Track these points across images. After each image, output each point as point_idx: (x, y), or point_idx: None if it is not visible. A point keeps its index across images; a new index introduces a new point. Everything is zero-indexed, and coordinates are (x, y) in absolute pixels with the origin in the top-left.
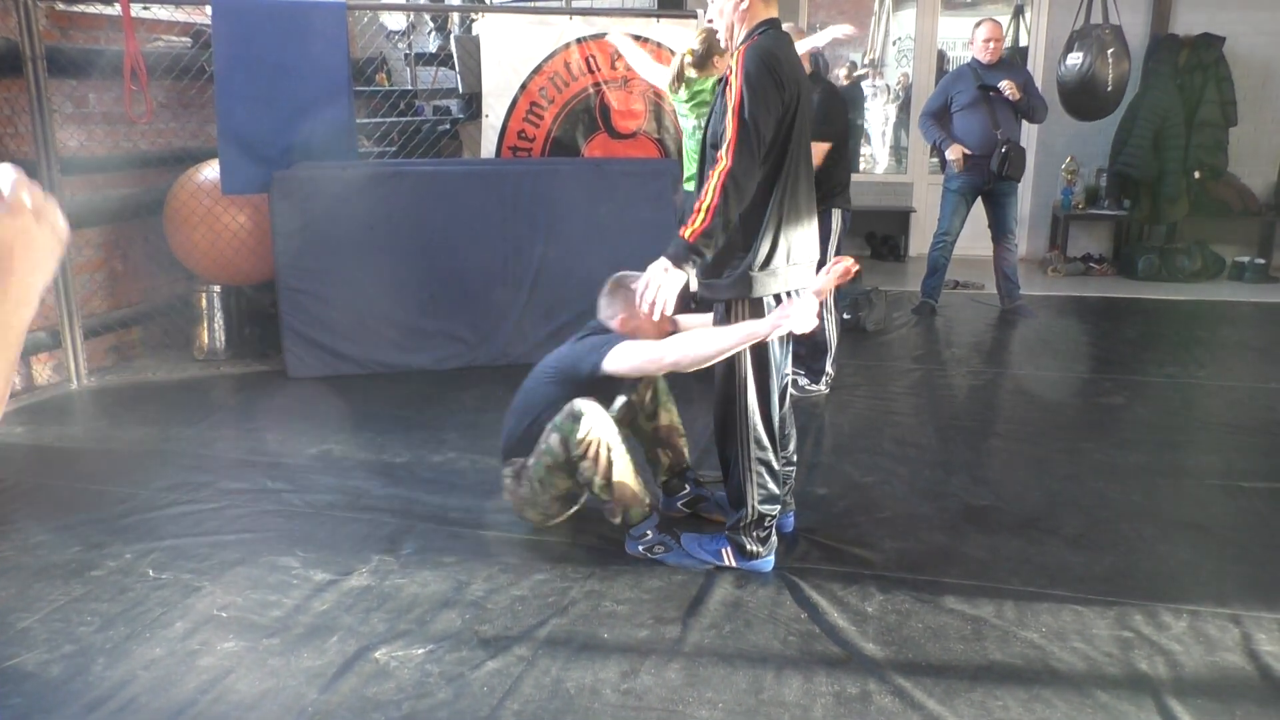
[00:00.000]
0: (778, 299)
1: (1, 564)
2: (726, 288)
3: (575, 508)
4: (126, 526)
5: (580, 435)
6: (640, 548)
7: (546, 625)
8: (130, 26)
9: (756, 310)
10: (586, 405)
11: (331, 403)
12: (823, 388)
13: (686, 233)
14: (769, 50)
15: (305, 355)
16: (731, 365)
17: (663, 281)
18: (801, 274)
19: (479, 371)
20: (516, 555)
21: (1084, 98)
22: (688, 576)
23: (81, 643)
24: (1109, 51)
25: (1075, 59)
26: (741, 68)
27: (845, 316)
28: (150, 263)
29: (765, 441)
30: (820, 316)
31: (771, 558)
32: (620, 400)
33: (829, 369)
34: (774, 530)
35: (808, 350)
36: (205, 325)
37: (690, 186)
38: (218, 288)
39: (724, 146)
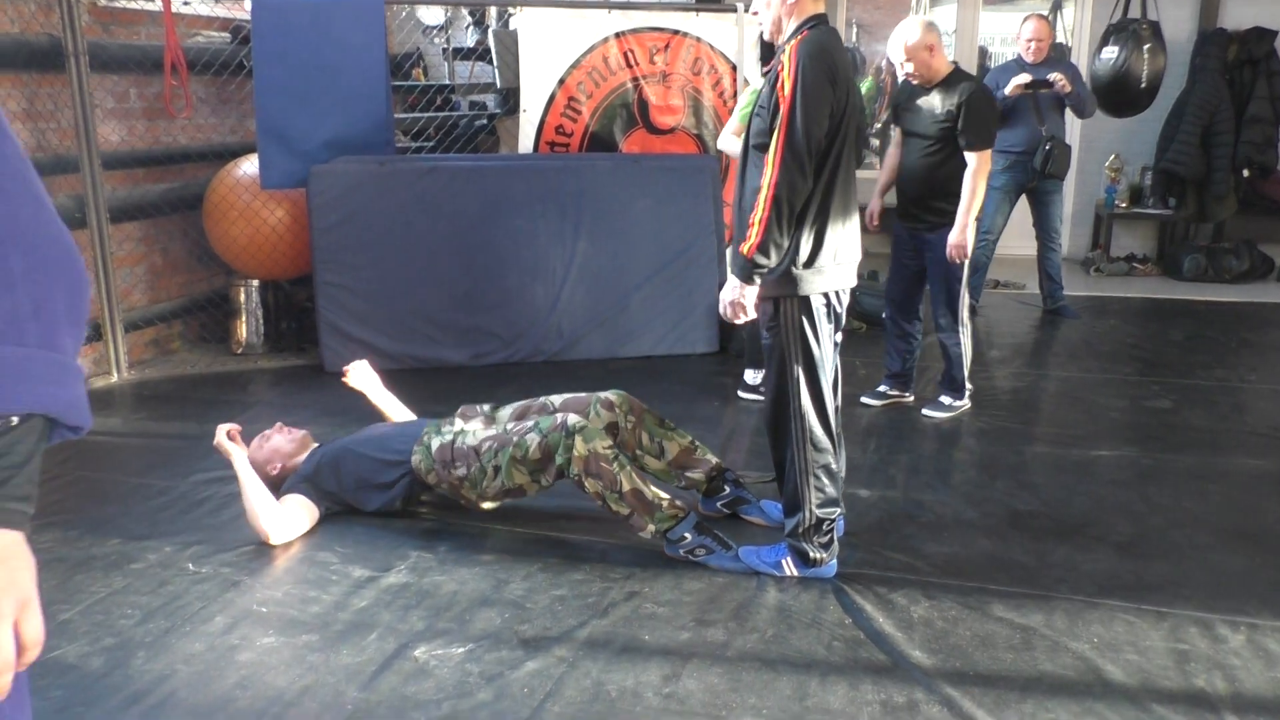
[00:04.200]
0: (825, 297)
1: (43, 556)
2: (773, 284)
3: (514, 499)
4: (166, 520)
5: (577, 452)
6: (680, 551)
7: (586, 626)
8: (171, 22)
9: (804, 308)
10: (580, 421)
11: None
12: (966, 402)
13: (744, 248)
14: (823, 46)
15: (341, 349)
16: (782, 366)
17: (736, 297)
18: (847, 273)
19: (514, 368)
20: (555, 554)
21: (1117, 93)
22: (729, 579)
23: (122, 635)
24: (1145, 47)
25: (1110, 54)
26: (794, 65)
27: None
28: (189, 257)
29: (823, 443)
30: (957, 331)
31: (834, 563)
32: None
33: (967, 383)
34: (835, 535)
35: (945, 366)
36: (243, 319)
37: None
38: (255, 282)
39: (773, 153)
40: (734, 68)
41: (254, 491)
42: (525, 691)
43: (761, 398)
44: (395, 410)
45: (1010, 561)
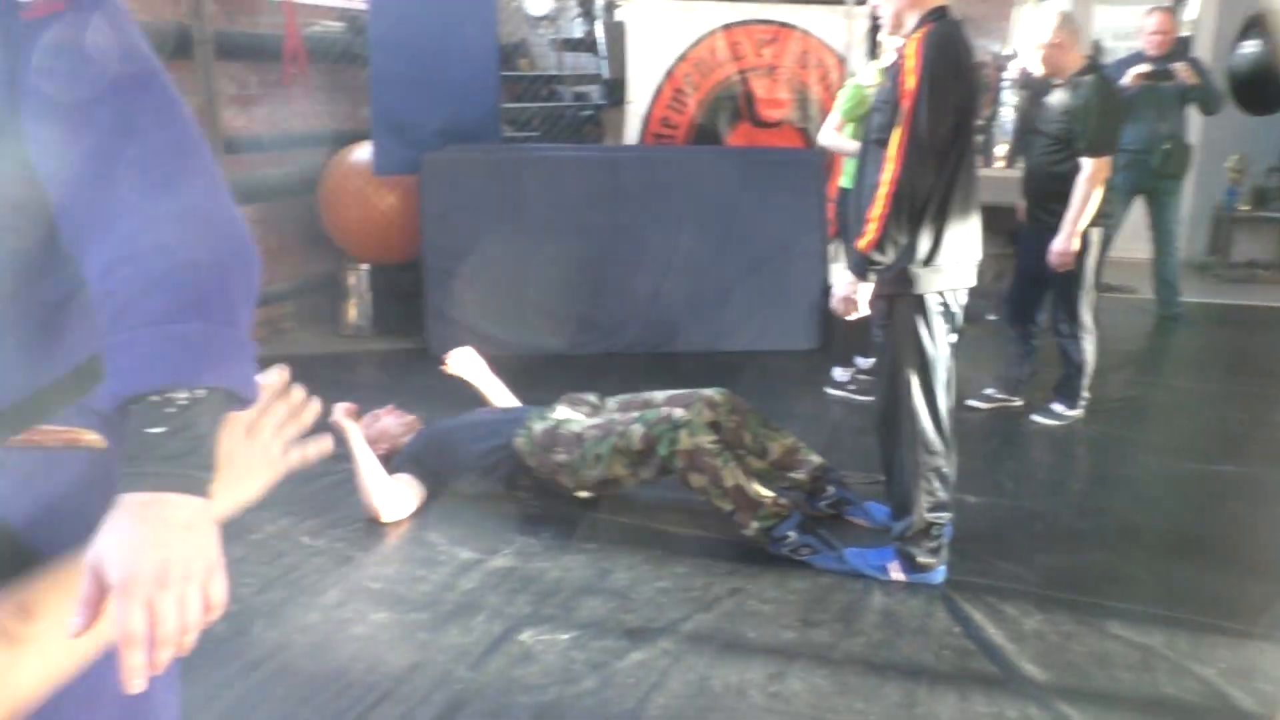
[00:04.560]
0: (942, 296)
1: None
2: (888, 281)
3: (609, 492)
4: (281, 494)
5: (682, 445)
6: (784, 549)
7: (690, 620)
8: (291, 12)
9: (919, 307)
10: (686, 416)
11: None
12: (1079, 412)
13: (861, 243)
14: (948, 39)
15: (446, 334)
16: (895, 366)
17: (849, 293)
18: (966, 273)
19: (613, 358)
20: (658, 546)
21: (1257, 90)
22: (834, 580)
23: (242, 603)
24: None
25: (1250, 47)
26: (920, 60)
27: (991, 318)
28: (303, 240)
29: (935, 445)
30: (1079, 337)
31: (943, 569)
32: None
33: (1085, 392)
34: (944, 540)
35: (1064, 372)
36: (353, 302)
37: (845, 182)
38: (366, 266)
39: (893, 148)
40: (842, 61)
41: (369, 469)
42: (630, 682)
43: (850, 395)
44: (499, 395)
45: (1127, 577)
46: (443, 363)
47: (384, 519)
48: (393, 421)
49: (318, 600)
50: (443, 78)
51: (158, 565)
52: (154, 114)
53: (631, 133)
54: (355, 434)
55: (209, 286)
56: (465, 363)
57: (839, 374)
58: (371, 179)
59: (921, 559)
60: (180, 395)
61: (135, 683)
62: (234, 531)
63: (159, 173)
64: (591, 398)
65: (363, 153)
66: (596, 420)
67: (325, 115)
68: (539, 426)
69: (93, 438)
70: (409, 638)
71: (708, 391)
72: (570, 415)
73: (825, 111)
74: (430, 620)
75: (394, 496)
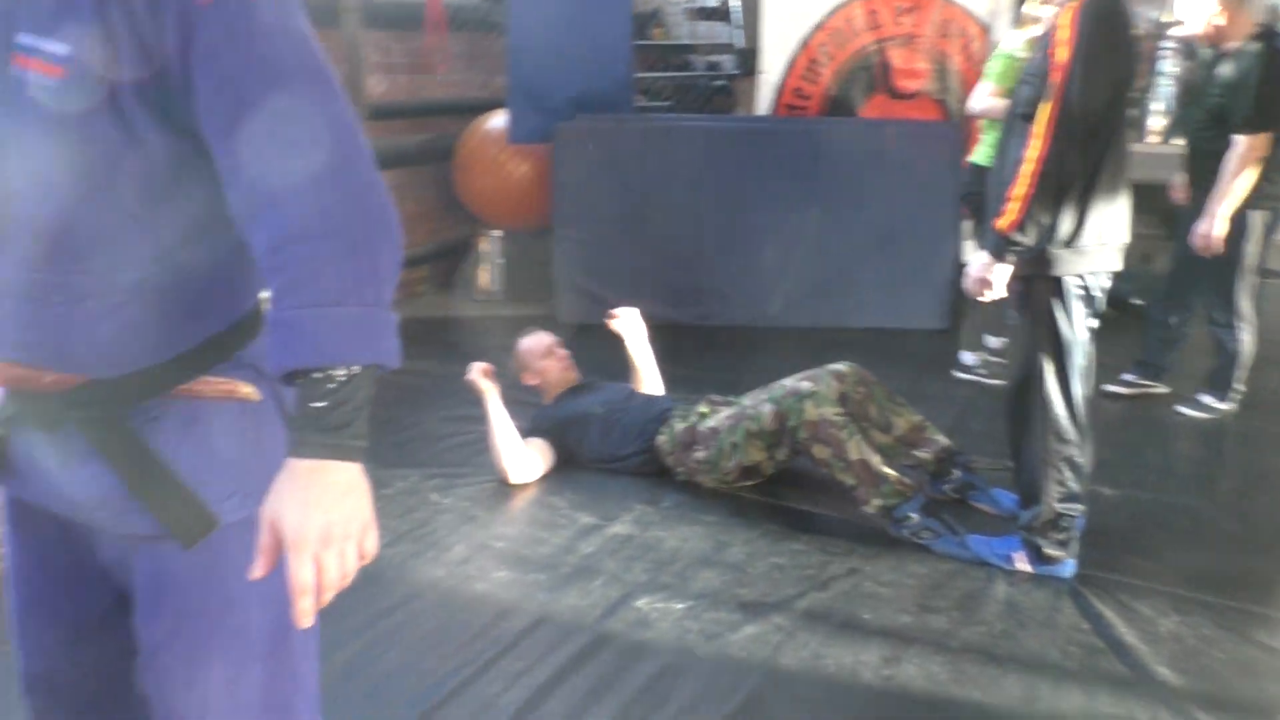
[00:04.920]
0: (1082, 279)
1: None
2: (1027, 262)
3: (752, 481)
4: (412, 451)
5: (807, 416)
6: (905, 530)
7: (805, 597)
8: None
9: (1056, 290)
10: (813, 387)
11: (598, 349)
12: (1230, 405)
13: (1001, 223)
14: (1107, 9)
15: (575, 302)
16: (1029, 350)
17: (984, 274)
18: (1110, 256)
19: (736, 331)
20: (775, 522)
21: None
22: (955, 566)
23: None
24: None
25: None
26: (1074, 31)
27: (1136, 302)
28: (439, 206)
29: (1069, 433)
30: (1234, 325)
31: (1073, 562)
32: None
33: (1238, 384)
34: (1074, 532)
35: (1217, 362)
36: (485, 268)
37: (978, 159)
38: (498, 232)
39: (1041, 124)
40: (985, 30)
41: (502, 430)
42: (743, 655)
43: (980, 379)
44: (646, 367)
45: (1277, 583)
46: (608, 318)
47: (511, 480)
48: (557, 367)
49: (444, 555)
50: (577, 47)
51: (323, 527)
52: (319, 98)
53: (763, 103)
54: (491, 394)
55: (365, 271)
56: (629, 323)
57: (968, 358)
58: (506, 147)
59: (1049, 550)
60: (339, 373)
61: (305, 620)
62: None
63: (323, 156)
64: (731, 399)
65: (498, 121)
66: (730, 410)
67: (463, 84)
68: (680, 425)
69: (247, 390)
70: (529, 597)
71: (835, 365)
72: (707, 412)
73: (966, 82)
74: (549, 581)
75: (524, 460)
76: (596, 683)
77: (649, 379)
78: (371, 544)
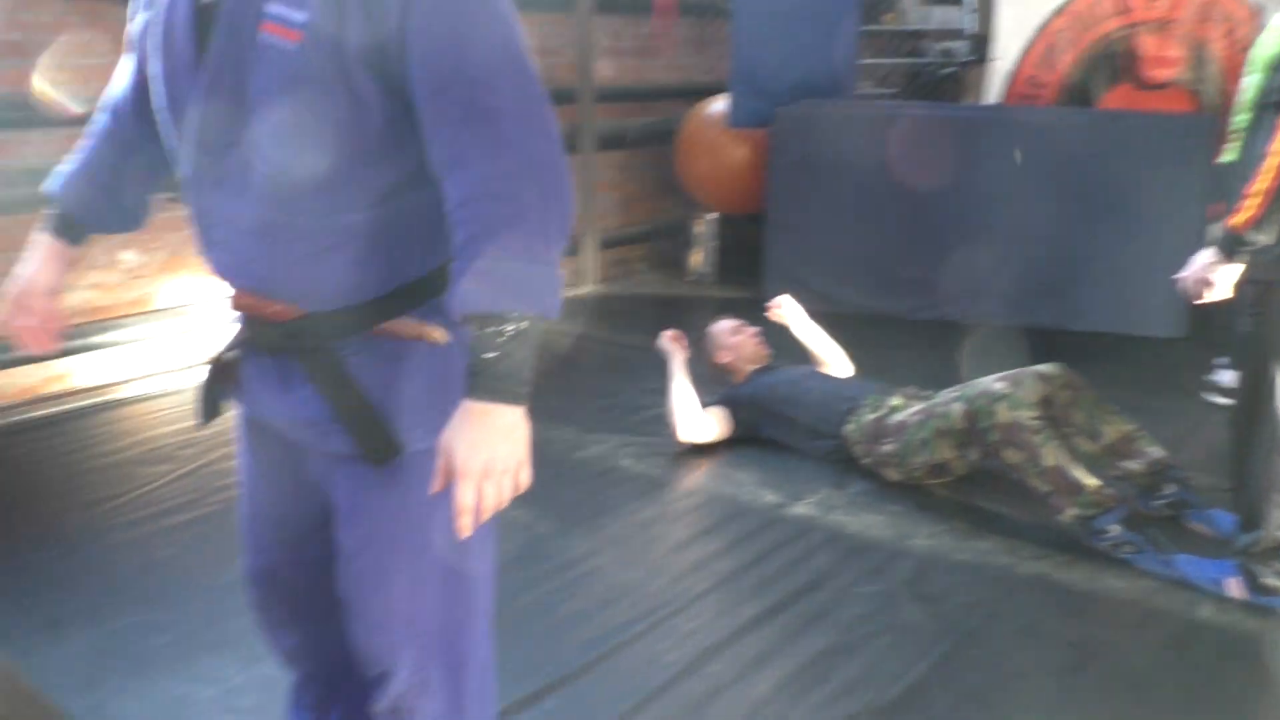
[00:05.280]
0: None
1: None
2: (1266, 265)
3: (941, 479)
4: (610, 420)
5: (1000, 418)
6: (1103, 543)
7: (988, 599)
8: None
9: None
10: (1008, 388)
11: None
12: None
13: (1236, 220)
14: None
15: (784, 287)
16: (1259, 361)
17: (1205, 274)
18: None
19: (948, 327)
20: (963, 519)
21: None
22: (1156, 585)
23: (564, 510)
24: None
25: None
26: None
27: None
28: (658, 188)
29: None
30: None
31: None
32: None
33: None
34: None
35: None
36: (699, 249)
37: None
38: (714, 215)
39: None
40: (1255, 14)
41: (680, 389)
42: (916, 649)
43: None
44: (824, 349)
45: None
46: (768, 308)
47: (680, 437)
48: (749, 341)
49: (627, 519)
50: (802, 32)
51: (486, 461)
52: (512, 76)
53: (993, 91)
54: (676, 357)
55: (536, 233)
56: (789, 310)
57: (1226, 378)
58: (725, 131)
59: (1268, 580)
60: (509, 326)
61: (463, 530)
62: (566, 448)
63: (510, 125)
64: (929, 392)
65: (720, 105)
66: (920, 404)
67: (689, 68)
68: (869, 417)
69: (437, 334)
70: (705, 566)
71: (1041, 366)
72: (899, 404)
73: (1227, 71)
74: (725, 550)
75: (696, 419)
76: (761, 652)
77: (832, 360)
78: (525, 478)
